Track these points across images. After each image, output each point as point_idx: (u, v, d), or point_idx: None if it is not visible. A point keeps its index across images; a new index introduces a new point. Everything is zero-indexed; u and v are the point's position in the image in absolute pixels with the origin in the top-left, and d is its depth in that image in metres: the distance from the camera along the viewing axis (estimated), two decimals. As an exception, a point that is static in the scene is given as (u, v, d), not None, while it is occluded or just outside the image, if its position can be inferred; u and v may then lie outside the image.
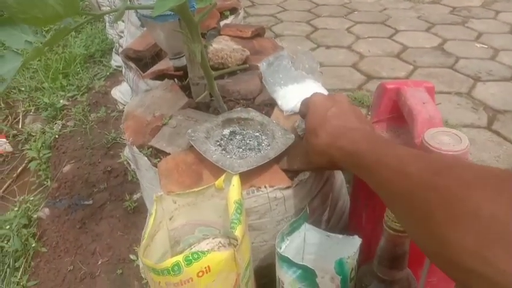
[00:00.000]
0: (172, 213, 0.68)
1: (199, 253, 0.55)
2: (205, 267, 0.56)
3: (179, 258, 0.54)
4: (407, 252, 0.54)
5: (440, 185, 0.36)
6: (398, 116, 0.71)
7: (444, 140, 0.56)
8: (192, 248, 0.73)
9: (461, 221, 0.32)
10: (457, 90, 1.75)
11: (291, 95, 0.85)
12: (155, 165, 0.75)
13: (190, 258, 0.54)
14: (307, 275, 0.58)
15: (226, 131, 0.78)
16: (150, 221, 0.62)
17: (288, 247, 0.66)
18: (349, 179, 1.14)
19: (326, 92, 0.86)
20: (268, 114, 0.85)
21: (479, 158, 1.33)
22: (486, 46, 2.18)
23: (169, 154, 0.77)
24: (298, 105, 0.82)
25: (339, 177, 0.96)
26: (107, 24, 2.25)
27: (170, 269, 0.54)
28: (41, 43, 0.58)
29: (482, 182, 0.34)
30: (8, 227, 1.12)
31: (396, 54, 2.12)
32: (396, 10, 2.79)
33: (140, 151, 0.79)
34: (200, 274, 0.56)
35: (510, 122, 1.52)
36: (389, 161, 0.45)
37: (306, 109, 0.67)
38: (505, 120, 1.53)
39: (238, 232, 0.59)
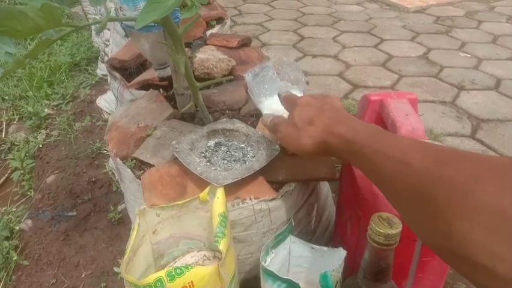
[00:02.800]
0: (155, 226, 0.67)
1: (182, 268, 0.54)
2: (189, 283, 0.55)
3: (162, 273, 0.53)
4: (391, 265, 0.54)
5: (446, 178, 0.35)
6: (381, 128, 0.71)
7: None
8: (176, 261, 0.72)
9: (470, 214, 0.32)
10: (441, 99, 1.77)
11: (276, 106, 0.85)
12: (138, 178, 0.74)
13: (173, 273, 0.54)
14: (292, 289, 0.58)
15: (211, 143, 0.78)
16: (132, 236, 0.61)
17: (274, 260, 0.66)
18: (335, 188, 1.15)
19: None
20: (254, 125, 0.85)
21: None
22: (469, 55, 2.21)
23: (153, 166, 0.76)
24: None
25: (325, 187, 0.96)
26: (93, 32, 2.23)
27: (152, 285, 0.53)
28: (21, 55, 0.57)
29: (490, 174, 0.33)
30: (-11, 239, 1.10)
31: (381, 63, 2.15)
32: (382, 19, 2.83)
33: (124, 163, 0.78)
34: (183, 290, 0.55)
35: (493, 131, 1.54)
36: (391, 152, 0.43)
37: (291, 103, 0.65)
38: (489, 129, 1.56)
39: (222, 246, 0.58)
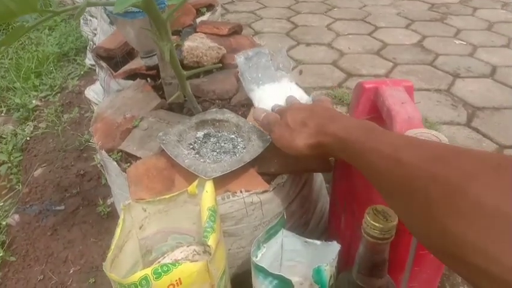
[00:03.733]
0: (142, 221, 0.65)
1: (169, 265, 0.52)
2: (176, 280, 0.52)
3: (148, 271, 0.51)
4: (387, 259, 0.52)
5: (439, 176, 0.34)
6: (377, 117, 0.68)
7: (423, 142, 0.54)
8: (165, 257, 0.69)
9: (463, 214, 0.31)
10: (436, 87, 1.74)
11: (268, 96, 0.82)
12: (124, 171, 0.72)
13: (160, 271, 0.51)
14: (284, 285, 0.56)
15: (200, 134, 0.75)
16: (117, 232, 0.59)
17: (265, 254, 0.63)
18: (329, 179, 1.12)
19: (302, 92, 0.84)
20: (245, 115, 0.82)
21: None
22: (465, 43, 2.19)
23: (140, 158, 0.73)
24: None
25: (318, 178, 0.94)
26: (81, 21, 2.18)
27: (137, 283, 0.50)
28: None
29: (483, 171, 0.32)
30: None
31: (376, 51, 2.12)
32: (376, 7, 2.79)
33: (110, 155, 0.75)
34: (170, 287, 0.53)
35: (489, 119, 1.52)
36: (383, 149, 0.43)
37: (282, 111, 0.65)
38: (484, 117, 1.54)
39: (211, 241, 0.56)
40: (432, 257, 0.60)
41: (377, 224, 0.48)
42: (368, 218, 0.48)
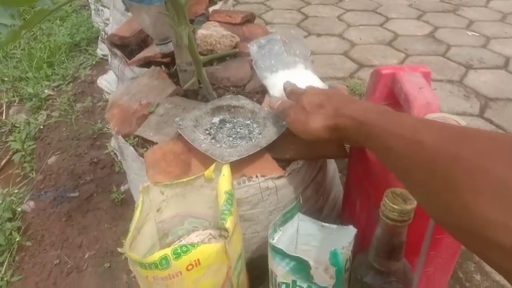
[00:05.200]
0: (159, 204, 0.66)
1: (188, 246, 0.53)
2: (195, 261, 0.53)
3: (168, 251, 0.52)
4: (405, 242, 0.52)
5: (461, 156, 0.35)
6: (394, 103, 0.68)
7: (442, 126, 0.54)
8: (181, 241, 0.70)
9: (485, 192, 0.32)
10: (448, 78, 1.73)
11: (282, 82, 0.82)
12: (141, 155, 0.72)
13: (179, 251, 0.52)
14: (301, 266, 0.56)
15: (216, 119, 0.75)
16: (136, 213, 0.59)
17: (281, 238, 0.64)
18: (342, 168, 1.13)
19: (317, 79, 0.84)
20: (259, 101, 0.82)
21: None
22: (477, 34, 2.16)
23: (156, 143, 0.74)
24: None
25: (332, 166, 0.94)
26: (92, 12, 2.18)
27: (158, 262, 0.51)
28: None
29: (504, 151, 0.33)
30: (-9, 219, 1.09)
31: (387, 42, 2.10)
32: (387, -2, 2.77)
33: (126, 141, 0.76)
34: (189, 268, 0.53)
35: (502, 110, 1.51)
36: (402, 131, 0.43)
37: (297, 95, 0.65)
38: (497, 108, 1.52)
39: (229, 224, 0.57)
40: (448, 242, 0.61)
41: (396, 207, 0.48)
42: (387, 201, 0.49)
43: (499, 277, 0.93)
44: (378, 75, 0.69)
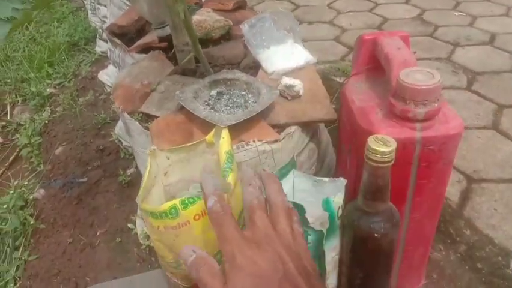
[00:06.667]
0: (166, 168, 0.71)
1: (195, 198, 0.58)
2: (201, 211, 0.59)
3: (176, 201, 0.57)
4: (389, 183, 0.58)
5: None
6: (376, 67, 0.74)
7: (418, 77, 0.59)
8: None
9: None
10: (437, 56, 1.79)
11: (274, 56, 0.88)
12: (147, 129, 0.78)
13: (186, 202, 0.57)
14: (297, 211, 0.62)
15: (213, 92, 0.81)
16: (145, 174, 0.65)
17: (279, 194, 0.70)
18: (335, 143, 1.18)
19: (307, 53, 0.89)
20: (254, 75, 0.88)
21: (460, 117, 1.38)
22: (464, 14, 2.22)
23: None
24: (282, 67, 0.86)
25: (325, 135, 1.00)
26: (89, 12, 2.24)
27: (167, 211, 0.57)
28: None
29: None
30: (5, 206, 1.14)
31: (377, 26, 2.16)
32: (376, -16, 2.82)
33: (131, 117, 0.82)
34: (196, 217, 0.59)
35: (488, 82, 1.57)
36: None
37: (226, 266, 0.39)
38: (484, 80, 1.58)
39: (230, 179, 0.62)
40: (432, 186, 0.67)
41: (378, 149, 0.53)
42: (370, 145, 0.54)
43: (487, 231, 0.99)
44: (361, 41, 0.74)
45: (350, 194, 0.69)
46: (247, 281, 0.37)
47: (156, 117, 0.80)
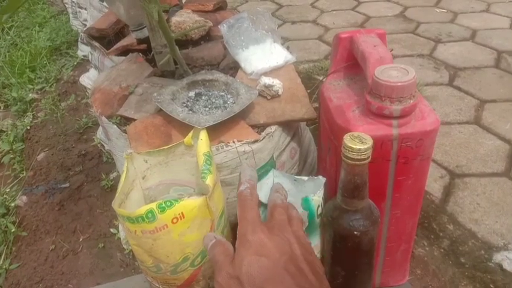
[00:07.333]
0: (144, 172, 0.70)
1: (172, 201, 0.57)
2: (179, 214, 0.58)
3: (153, 205, 0.56)
4: (366, 181, 0.58)
5: None
6: (353, 64, 0.74)
7: (392, 74, 0.59)
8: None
9: None
10: (419, 53, 1.80)
11: (253, 57, 0.88)
12: (125, 132, 0.77)
13: (163, 205, 0.57)
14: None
15: (192, 93, 0.80)
16: (122, 178, 0.64)
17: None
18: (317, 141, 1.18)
19: (286, 52, 0.89)
20: (233, 76, 0.87)
21: (443, 112, 1.39)
22: (445, 10, 2.24)
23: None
24: (261, 67, 0.85)
25: (307, 134, 0.99)
26: (70, 16, 2.22)
27: (144, 216, 0.56)
28: None
29: None
30: (-15, 215, 1.12)
31: (360, 24, 2.17)
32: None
33: (110, 120, 0.81)
34: (174, 221, 0.58)
35: (470, 78, 1.58)
36: None
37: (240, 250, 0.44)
38: (465, 76, 1.60)
39: (209, 181, 0.61)
40: (411, 183, 0.67)
41: (354, 146, 0.53)
42: (346, 142, 0.54)
43: (470, 226, 1.00)
44: (338, 39, 0.74)
45: (331, 192, 0.69)
46: (253, 259, 0.40)
47: (134, 120, 0.80)
